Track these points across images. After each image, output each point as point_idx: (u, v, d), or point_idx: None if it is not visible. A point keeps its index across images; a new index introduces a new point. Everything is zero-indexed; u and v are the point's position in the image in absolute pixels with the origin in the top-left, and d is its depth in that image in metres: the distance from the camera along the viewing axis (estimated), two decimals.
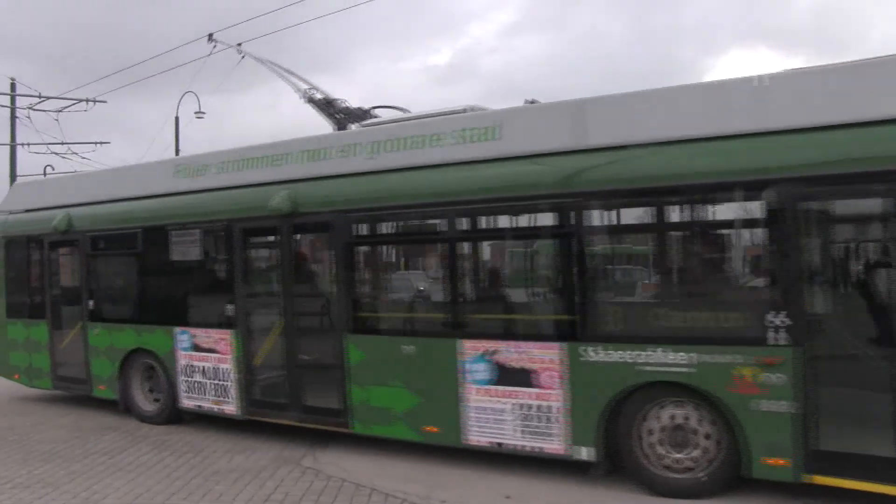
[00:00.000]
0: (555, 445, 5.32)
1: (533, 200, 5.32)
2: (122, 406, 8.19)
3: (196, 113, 25.08)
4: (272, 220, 6.64)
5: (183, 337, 7.47)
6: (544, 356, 5.32)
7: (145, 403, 8.01)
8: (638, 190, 4.99)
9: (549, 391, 5.31)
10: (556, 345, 5.27)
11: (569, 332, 5.23)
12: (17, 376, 9.48)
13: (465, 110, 5.95)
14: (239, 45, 9.67)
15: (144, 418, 7.88)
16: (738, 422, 4.62)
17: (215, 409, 7.26)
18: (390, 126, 6.21)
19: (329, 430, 6.43)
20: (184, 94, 25.21)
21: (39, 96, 19.11)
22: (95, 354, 8.36)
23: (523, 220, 5.55)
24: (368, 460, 6.17)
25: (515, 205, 5.44)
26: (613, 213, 5.13)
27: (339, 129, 7.41)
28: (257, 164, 6.95)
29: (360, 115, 7.88)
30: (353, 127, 7.67)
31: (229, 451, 6.65)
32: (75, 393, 8.86)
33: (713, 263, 5.18)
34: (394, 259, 6.73)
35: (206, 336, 7.24)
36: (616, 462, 5.23)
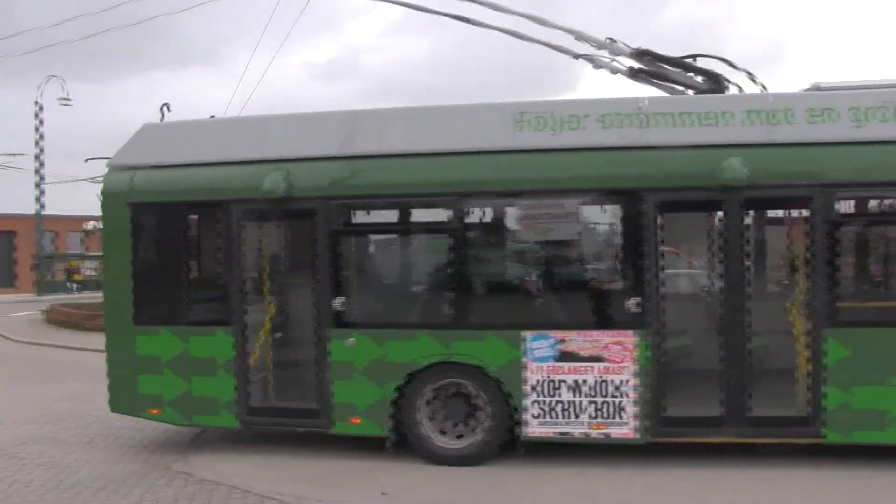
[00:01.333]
0: None
1: None
2: (391, 444, 6.23)
3: (61, 99, 22.27)
4: (710, 192, 5.68)
5: (540, 343, 5.93)
6: None
7: (439, 437, 6.20)
8: None
9: None
10: None
11: None
12: (154, 411, 6.65)
13: None
14: None
15: (445, 458, 6.06)
16: None
17: (593, 434, 5.89)
18: (876, 92, 5.72)
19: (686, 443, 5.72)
20: (46, 79, 22.87)
21: None
22: (346, 374, 6.20)
23: None
24: (245, 461, 6.25)
25: None
26: None
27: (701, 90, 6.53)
28: (675, 121, 5.86)
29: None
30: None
31: (91, 461, 6.47)
32: (287, 430, 6.50)
33: None
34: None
35: (585, 340, 5.87)
36: None
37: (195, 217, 6.69)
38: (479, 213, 6.19)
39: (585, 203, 5.99)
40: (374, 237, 6.65)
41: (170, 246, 6.68)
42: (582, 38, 7.34)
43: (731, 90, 6.55)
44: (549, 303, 6.20)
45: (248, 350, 6.42)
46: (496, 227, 6.17)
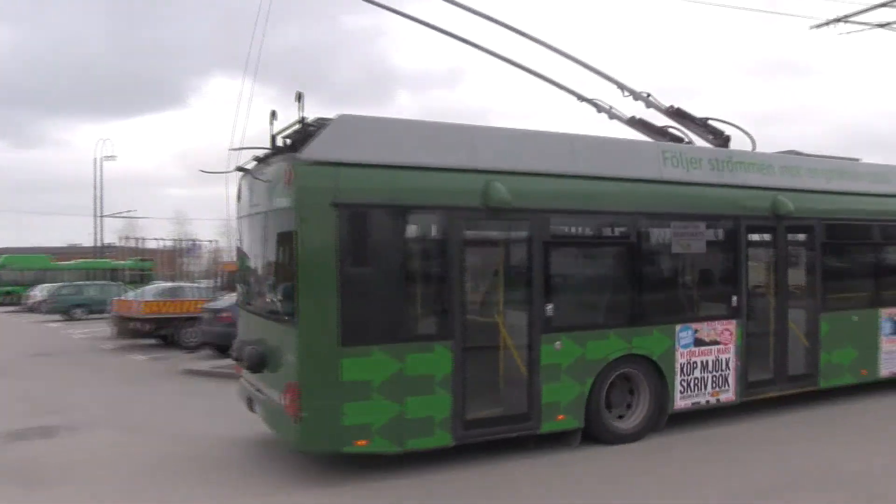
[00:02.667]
0: None
1: None
2: (579, 437, 7.27)
3: None
4: (770, 220, 8.49)
5: (685, 333, 7.81)
6: None
7: (615, 420, 7.49)
8: None
9: None
10: None
11: None
12: (362, 442, 6.18)
13: None
14: None
15: (615, 437, 7.40)
16: None
17: (711, 401, 8.04)
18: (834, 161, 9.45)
19: None
20: None
21: None
22: (554, 376, 6.98)
23: None
24: None
25: None
26: None
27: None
28: (748, 168, 8.46)
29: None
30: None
31: None
32: (497, 437, 6.82)
33: None
34: None
35: (710, 329, 7.99)
36: None
37: (408, 223, 6.45)
38: (646, 231, 7.66)
39: (707, 225, 8.12)
40: (569, 248, 7.47)
41: (383, 254, 6.31)
42: (622, 87, 9.46)
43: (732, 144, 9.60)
44: (689, 300, 8.15)
45: (465, 363, 6.60)
46: (657, 242, 7.77)
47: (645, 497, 6.00)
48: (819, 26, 14.96)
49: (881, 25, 14.43)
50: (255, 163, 7.30)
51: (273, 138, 7.31)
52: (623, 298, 7.64)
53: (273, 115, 7.09)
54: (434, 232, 6.62)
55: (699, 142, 9.38)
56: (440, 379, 6.46)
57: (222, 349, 15.10)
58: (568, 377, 7.11)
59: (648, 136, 9.30)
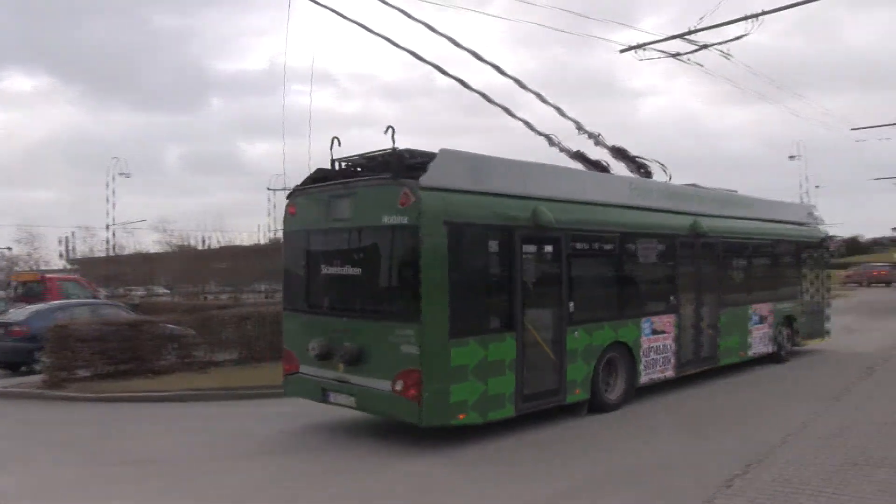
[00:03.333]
0: None
1: None
2: (586, 406, 9.41)
3: None
4: (691, 238, 11.38)
5: (646, 324, 10.35)
6: None
7: (604, 394, 9.74)
8: None
9: None
10: None
11: None
12: (462, 416, 7.76)
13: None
14: None
15: (606, 407, 9.65)
16: None
17: (659, 377, 10.66)
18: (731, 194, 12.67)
19: None
20: None
21: None
22: (573, 359, 9.06)
23: None
24: None
25: None
26: None
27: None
28: (681, 197, 11.29)
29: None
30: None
31: None
32: (539, 409, 8.73)
33: None
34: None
35: (659, 321, 10.61)
36: None
37: (490, 238, 8.19)
38: (626, 244, 10.09)
39: (659, 241, 10.83)
40: (581, 258, 9.51)
41: (475, 263, 8.02)
42: (579, 126, 11.93)
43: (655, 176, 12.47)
44: (649, 299, 10.71)
45: (525, 349, 8.47)
46: (633, 254, 10.28)
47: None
48: (622, 51, 16.53)
49: (673, 55, 16.27)
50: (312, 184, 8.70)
51: (333, 162, 8.69)
52: (613, 297, 10.05)
53: (335, 141, 8.45)
54: (505, 245, 8.39)
55: (625, 173, 12.17)
56: (508, 363, 8.27)
57: (13, 367, 14.06)
58: (581, 360, 9.28)
59: (585, 167, 11.83)
